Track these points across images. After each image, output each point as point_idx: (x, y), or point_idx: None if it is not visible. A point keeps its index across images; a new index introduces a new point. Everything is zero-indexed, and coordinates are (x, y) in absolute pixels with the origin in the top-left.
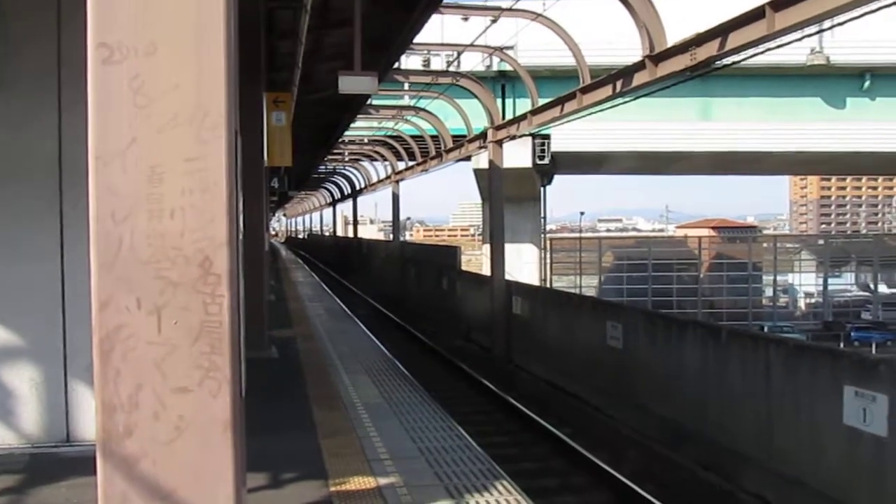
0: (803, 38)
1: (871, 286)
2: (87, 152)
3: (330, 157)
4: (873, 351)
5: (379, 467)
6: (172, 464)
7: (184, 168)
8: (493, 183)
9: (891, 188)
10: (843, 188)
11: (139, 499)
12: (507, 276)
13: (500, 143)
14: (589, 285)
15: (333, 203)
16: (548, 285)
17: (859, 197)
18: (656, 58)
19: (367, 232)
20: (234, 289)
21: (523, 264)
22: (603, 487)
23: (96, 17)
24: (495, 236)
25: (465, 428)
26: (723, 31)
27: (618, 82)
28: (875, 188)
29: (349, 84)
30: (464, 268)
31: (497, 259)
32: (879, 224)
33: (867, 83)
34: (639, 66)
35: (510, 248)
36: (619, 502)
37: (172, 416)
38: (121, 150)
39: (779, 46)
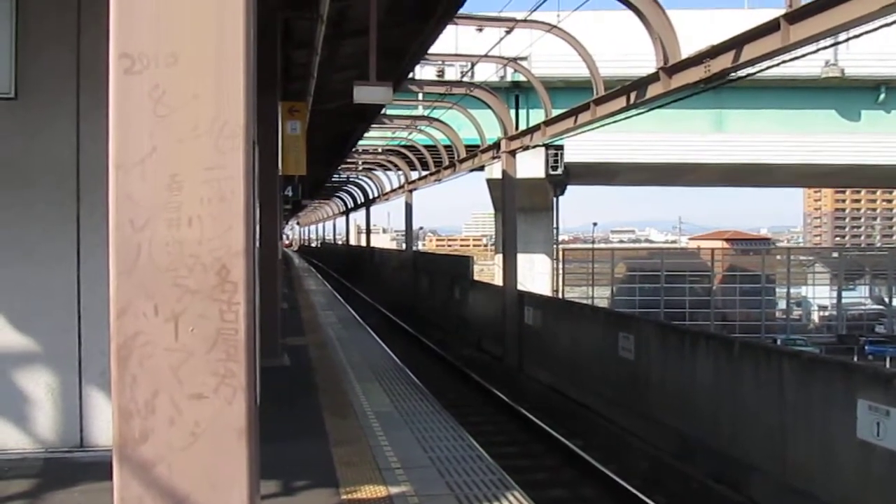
0: (818, 50)
1: (886, 300)
2: (106, 159)
3: (343, 166)
4: (888, 365)
5: (390, 476)
6: (188, 469)
7: (202, 177)
8: (506, 193)
9: None
10: (858, 201)
11: (154, 503)
12: (520, 287)
13: (513, 153)
14: (601, 296)
15: (346, 212)
16: (560, 296)
17: (874, 210)
18: (670, 69)
19: (380, 241)
20: (250, 297)
21: (536, 275)
22: (613, 499)
23: (118, 28)
24: (508, 246)
25: (476, 438)
26: (737, 43)
27: (632, 94)
28: (890, 201)
29: (364, 94)
30: (476, 278)
31: (510, 269)
32: (894, 237)
33: (882, 96)
34: (653, 78)
35: (523, 259)
36: None
37: (188, 422)
38: (141, 159)
39: (794, 59)
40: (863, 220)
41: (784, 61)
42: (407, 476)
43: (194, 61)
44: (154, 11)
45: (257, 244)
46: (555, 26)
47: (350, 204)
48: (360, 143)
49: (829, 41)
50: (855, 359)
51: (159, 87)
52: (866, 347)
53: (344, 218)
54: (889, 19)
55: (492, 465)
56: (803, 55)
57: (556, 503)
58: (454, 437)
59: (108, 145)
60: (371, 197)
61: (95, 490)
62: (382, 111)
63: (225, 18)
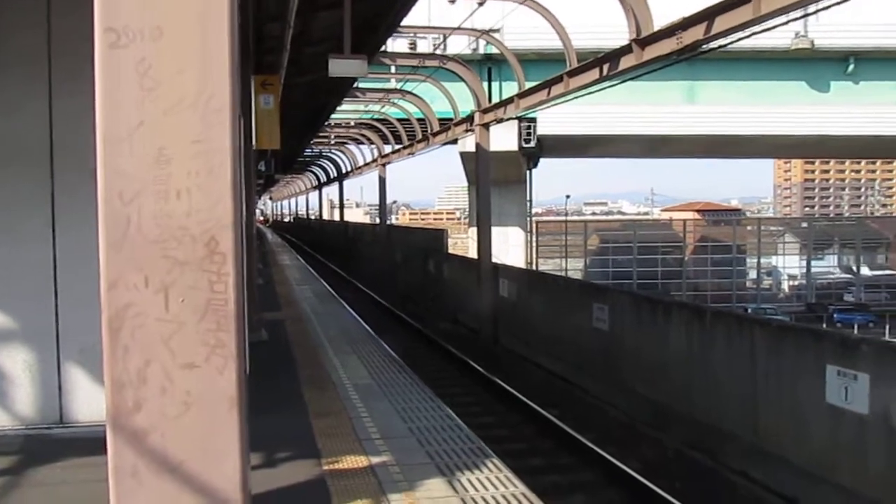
0: (788, 21)
1: (854, 268)
2: (80, 138)
3: (316, 140)
4: (856, 332)
5: (370, 446)
6: (181, 438)
7: (190, 150)
8: (479, 166)
9: (873, 171)
10: (827, 171)
11: (148, 471)
12: (494, 259)
13: (486, 126)
14: (575, 268)
15: (319, 186)
16: (534, 268)
17: (843, 180)
18: (643, 41)
19: (353, 215)
20: (239, 267)
21: (510, 247)
22: (589, 467)
23: (103, 3)
24: (482, 219)
25: (454, 409)
26: (709, 14)
27: (604, 66)
28: (858, 171)
29: (339, 67)
30: (450, 251)
31: (484, 242)
32: (862, 207)
33: (851, 67)
34: (625, 50)
35: (496, 232)
36: (606, 481)
37: (180, 391)
38: (129, 133)
39: (765, 30)
40: (831, 190)
41: (755, 33)
42: (387, 446)
43: (180, 35)
44: None
45: (244, 216)
46: None
47: (323, 178)
48: (333, 116)
49: (799, 12)
50: (824, 326)
51: (145, 60)
52: (835, 315)
53: (317, 192)
54: None
55: (470, 434)
56: (774, 27)
57: (534, 471)
58: (432, 407)
59: (94, 120)
60: (344, 171)
61: (77, 465)
62: (355, 84)
63: None
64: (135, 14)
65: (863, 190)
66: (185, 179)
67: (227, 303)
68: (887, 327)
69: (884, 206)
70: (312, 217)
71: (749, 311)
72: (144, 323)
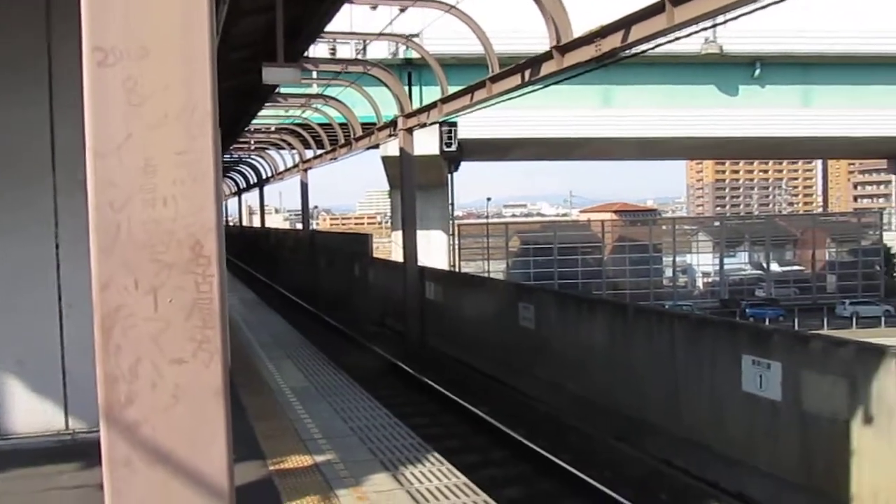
0: (702, 30)
1: (764, 265)
2: (17, 148)
3: (235, 146)
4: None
5: (314, 446)
6: (171, 428)
7: (175, 161)
8: (404, 170)
9: (780, 171)
10: (737, 172)
11: (141, 461)
12: (419, 262)
13: (410, 130)
14: (497, 270)
15: (238, 193)
16: (457, 270)
17: (751, 180)
18: (563, 48)
19: (273, 221)
20: (222, 269)
21: (432, 250)
22: (523, 460)
23: (91, 23)
24: (407, 223)
25: (388, 410)
26: (626, 23)
27: (526, 72)
28: (766, 171)
29: (273, 75)
30: (374, 255)
31: (410, 245)
32: (770, 206)
33: (757, 71)
34: (546, 57)
35: (419, 235)
36: (538, 472)
37: (169, 385)
38: (117, 146)
39: (677, 39)
40: (741, 189)
41: (669, 41)
42: (330, 445)
43: (164, 53)
44: (124, 7)
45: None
46: (454, 7)
47: (242, 184)
48: (253, 121)
49: (709, 21)
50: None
51: (131, 77)
52: (747, 310)
53: (236, 199)
54: (765, 1)
55: (408, 432)
56: (688, 34)
57: (470, 467)
58: (370, 407)
59: (54, 132)
60: (265, 177)
61: (17, 477)
62: (277, 90)
63: (190, 12)
64: (121, 34)
65: (770, 189)
66: (171, 188)
67: (211, 301)
68: (796, 320)
69: (790, 204)
70: (232, 223)
71: (666, 307)
72: (135, 323)
